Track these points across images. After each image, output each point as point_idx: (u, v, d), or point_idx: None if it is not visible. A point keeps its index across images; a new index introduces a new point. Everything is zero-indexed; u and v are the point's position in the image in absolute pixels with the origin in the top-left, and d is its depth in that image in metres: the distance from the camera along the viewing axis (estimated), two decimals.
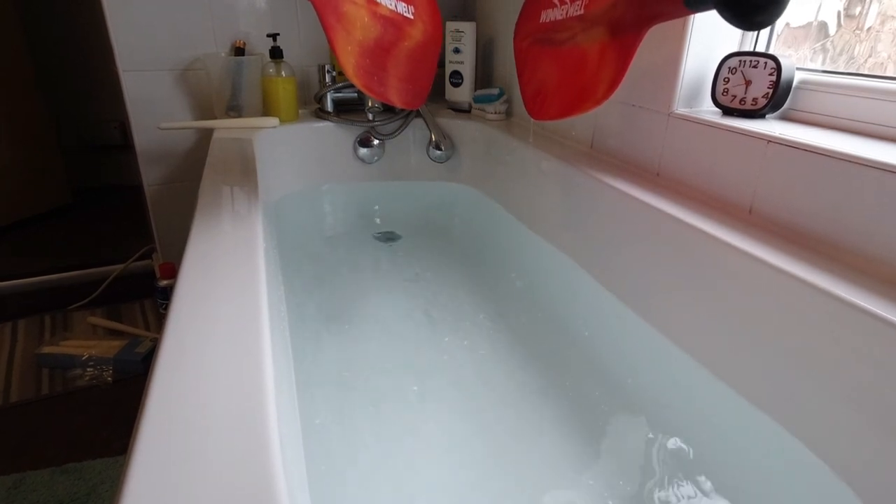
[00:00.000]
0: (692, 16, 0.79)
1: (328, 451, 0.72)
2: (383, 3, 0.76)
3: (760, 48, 0.84)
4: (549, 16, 0.79)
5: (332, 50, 0.63)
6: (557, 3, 0.78)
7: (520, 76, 0.79)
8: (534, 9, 0.84)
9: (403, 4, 0.81)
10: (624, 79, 0.64)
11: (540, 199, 1.12)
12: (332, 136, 1.34)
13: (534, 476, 0.70)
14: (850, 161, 0.62)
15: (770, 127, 0.75)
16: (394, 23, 0.78)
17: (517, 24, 0.86)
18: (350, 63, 0.67)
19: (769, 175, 0.72)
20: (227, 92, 1.27)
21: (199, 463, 0.33)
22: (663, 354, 0.79)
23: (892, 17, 0.71)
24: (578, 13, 0.72)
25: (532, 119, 0.75)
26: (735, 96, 0.82)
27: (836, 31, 0.77)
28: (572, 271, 1.00)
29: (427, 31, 0.83)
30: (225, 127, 1.24)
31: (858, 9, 0.74)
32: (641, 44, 0.88)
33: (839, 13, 0.76)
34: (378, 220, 1.41)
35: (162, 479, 0.32)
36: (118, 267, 1.59)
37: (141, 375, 1.25)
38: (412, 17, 0.83)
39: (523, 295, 1.09)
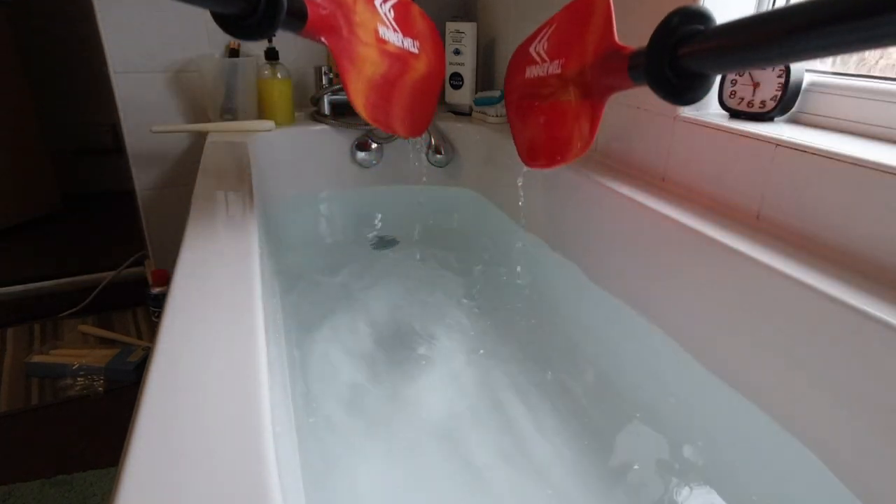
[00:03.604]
0: None
1: (324, 456, 0.70)
2: (392, 41, 0.79)
3: None
4: (532, 72, 0.82)
5: (345, 90, 0.66)
6: (539, 61, 0.81)
7: (512, 127, 0.83)
8: (520, 64, 0.87)
9: (410, 40, 0.84)
10: (595, 137, 0.68)
11: (542, 204, 1.10)
12: (329, 139, 1.32)
13: (532, 482, 0.68)
14: (860, 165, 0.62)
15: (779, 130, 0.74)
16: (400, 58, 0.81)
17: (506, 77, 0.91)
18: (360, 100, 0.70)
19: (777, 179, 0.71)
20: (222, 94, 1.25)
21: (193, 474, 0.33)
22: (671, 360, 0.78)
23: None
24: (557, 72, 0.75)
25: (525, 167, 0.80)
26: (743, 99, 0.81)
27: None
28: (576, 277, 0.99)
29: (431, 63, 0.87)
30: (219, 130, 1.23)
31: None
32: None
33: None
34: (376, 226, 1.39)
35: (154, 492, 0.32)
36: (110, 274, 1.57)
37: (133, 385, 1.24)
38: (417, 51, 0.86)
39: (526, 301, 1.08)
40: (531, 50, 0.82)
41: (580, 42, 0.69)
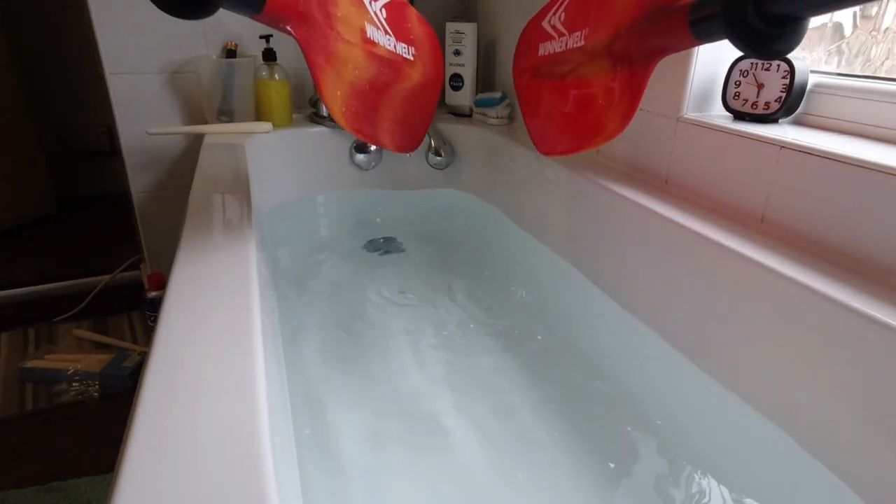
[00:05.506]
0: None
1: (322, 463, 0.69)
2: (381, 43, 0.74)
3: None
4: (547, 48, 0.77)
5: (318, 90, 0.60)
6: (556, 36, 0.76)
7: (523, 111, 0.77)
8: (531, 42, 0.82)
9: (404, 45, 0.79)
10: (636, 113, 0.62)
11: (544, 208, 1.10)
12: (327, 141, 1.31)
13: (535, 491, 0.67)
14: (866, 167, 0.61)
15: (783, 132, 0.73)
16: (392, 64, 0.76)
17: (515, 58, 0.86)
18: (337, 105, 0.65)
19: (782, 182, 0.70)
20: (218, 96, 1.24)
21: (189, 481, 0.33)
22: (672, 365, 0.78)
23: None
24: (579, 45, 0.69)
25: (540, 154, 0.73)
26: (747, 100, 0.80)
27: (852, 33, 0.76)
28: (578, 282, 0.98)
29: (427, 72, 0.82)
30: (216, 132, 1.22)
31: (875, 9, 0.73)
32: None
33: (855, 14, 0.75)
34: (375, 230, 1.38)
35: (150, 498, 0.31)
36: (105, 277, 1.56)
37: (128, 390, 1.23)
38: (412, 58, 0.81)
39: (528, 307, 1.07)
40: (545, 24, 0.76)
41: (608, 5, 0.63)
